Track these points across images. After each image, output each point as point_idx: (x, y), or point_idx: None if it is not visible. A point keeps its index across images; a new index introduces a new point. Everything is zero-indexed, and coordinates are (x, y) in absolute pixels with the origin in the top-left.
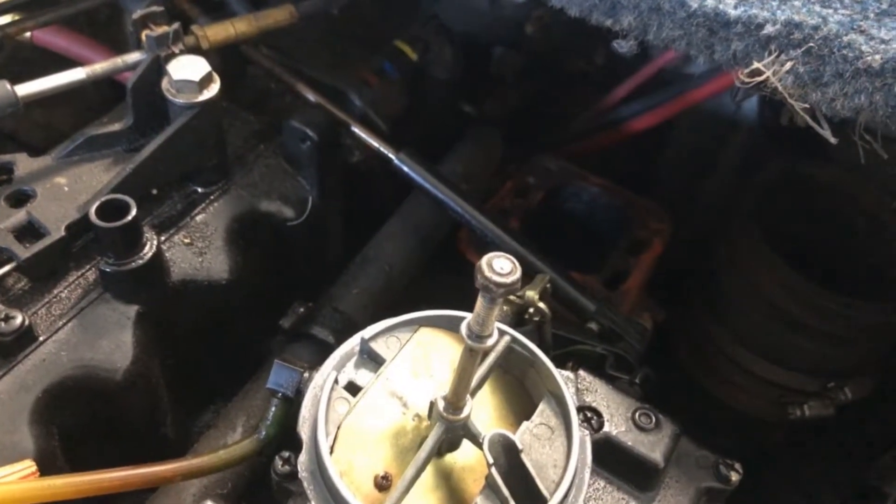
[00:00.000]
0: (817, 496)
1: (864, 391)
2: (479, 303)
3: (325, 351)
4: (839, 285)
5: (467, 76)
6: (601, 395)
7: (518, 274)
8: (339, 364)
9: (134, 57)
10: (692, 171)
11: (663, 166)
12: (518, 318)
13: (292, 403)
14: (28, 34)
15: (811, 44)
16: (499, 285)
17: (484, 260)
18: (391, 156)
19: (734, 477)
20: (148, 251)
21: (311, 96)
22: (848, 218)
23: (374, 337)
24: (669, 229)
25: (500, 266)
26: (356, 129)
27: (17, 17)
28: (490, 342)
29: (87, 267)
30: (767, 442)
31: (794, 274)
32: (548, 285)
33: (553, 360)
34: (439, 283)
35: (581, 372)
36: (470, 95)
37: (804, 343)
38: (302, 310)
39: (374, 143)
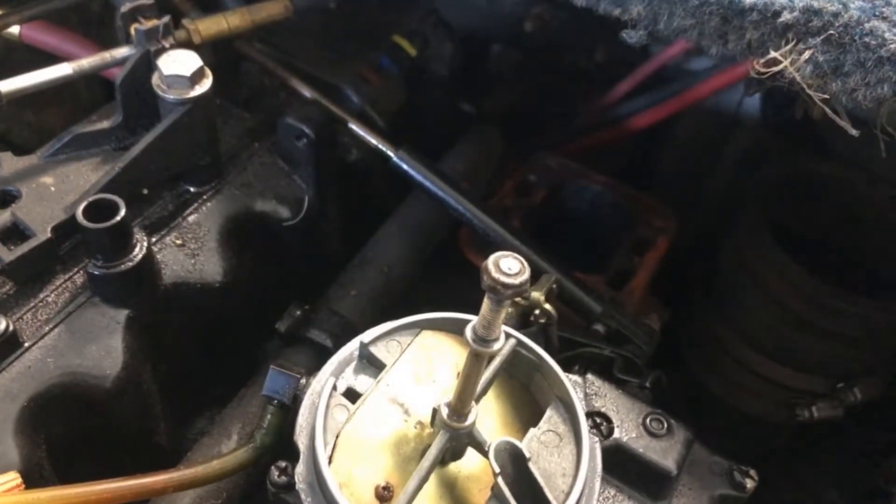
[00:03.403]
0: (823, 497)
1: (874, 392)
2: (486, 305)
3: (322, 355)
4: (848, 284)
5: (464, 73)
6: (611, 400)
7: (527, 274)
8: (338, 369)
9: (123, 52)
10: (694, 168)
11: (665, 163)
12: (523, 320)
13: (289, 411)
14: (16, 30)
15: (831, 31)
16: (507, 286)
17: (490, 260)
18: (390, 153)
19: (749, 484)
20: (138, 253)
21: (307, 92)
22: (857, 215)
23: (374, 341)
24: (675, 227)
25: (507, 266)
26: (354, 126)
27: (3, 11)
28: (497, 346)
29: (75, 270)
30: (773, 443)
31: (804, 272)
32: (554, 286)
33: (559, 363)
34: (439, 283)
35: (589, 376)
36: (467, 93)
37: (813, 343)
38: (298, 313)
39: (373, 141)
